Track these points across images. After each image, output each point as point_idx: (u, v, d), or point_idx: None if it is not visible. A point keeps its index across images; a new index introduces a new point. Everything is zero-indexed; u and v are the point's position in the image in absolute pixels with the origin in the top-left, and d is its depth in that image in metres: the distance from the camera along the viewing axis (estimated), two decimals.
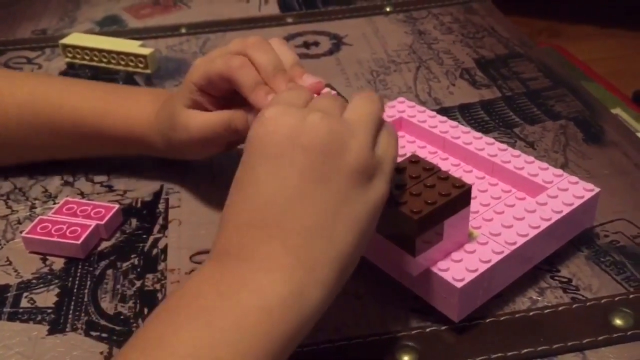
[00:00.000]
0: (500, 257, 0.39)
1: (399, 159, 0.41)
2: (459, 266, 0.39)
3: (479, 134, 0.51)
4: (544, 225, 0.41)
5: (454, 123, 0.52)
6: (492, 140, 0.50)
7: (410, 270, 0.39)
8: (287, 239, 0.33)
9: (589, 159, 0.55)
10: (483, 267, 0.39)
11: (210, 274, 0.33)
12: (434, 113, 0.54)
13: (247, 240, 0.33)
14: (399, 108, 0.55)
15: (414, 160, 0.41)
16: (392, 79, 0.70)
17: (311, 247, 0.32)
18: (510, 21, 0.83)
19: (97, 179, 0.56)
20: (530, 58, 0.72)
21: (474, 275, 0.38)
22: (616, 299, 0.42)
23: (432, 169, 0.40)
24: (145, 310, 0.43)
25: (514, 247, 0.40)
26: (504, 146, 0.49)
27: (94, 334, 0.42)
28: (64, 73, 0.75)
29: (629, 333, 0.39)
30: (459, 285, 0.38)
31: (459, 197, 0.38)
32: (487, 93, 0.66)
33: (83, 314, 0.43)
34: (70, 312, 0.43)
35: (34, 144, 0.55)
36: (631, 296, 0.42)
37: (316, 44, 0.79)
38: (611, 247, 0.46)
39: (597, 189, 0.44)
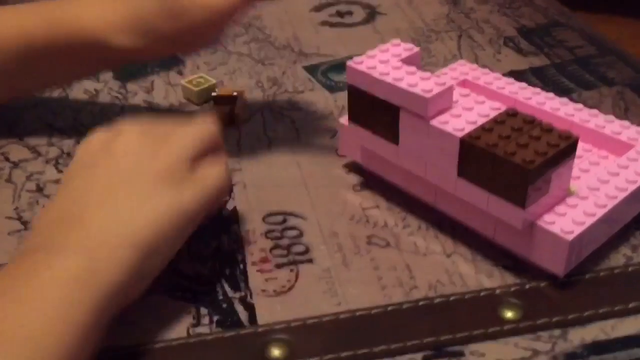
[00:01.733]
0: (604, 210, 0.38)
1: (492, 113, 0.40)
2: (566, 219, 0.38)
3: (551, 94, 0.50)
4: (632, 186, 0.40)
5: (523, 84, 0.51)
6: (566, 100, 0.49)
7: (516, 223, 0.38)
8: (87, 228, 0.35)
9: None
10: (590, 220, 0.38)
11: (9, 267, 0.34)
12: (500, 75, 0.53)
13: (51, 232, 0.35)
14: (461, 70, 0.54)
15: (512, 113, 0.39)
16: (435, 47, 0.68)
17: (107, 231, 0.35)
18: None
19: None
20: (572, 27, 0.72)
21: (582, 228, 0.37)
22: None
23: (534, 121, 0.39)
24: (227, 271, 0.41)
25: (615, 201, 0.39)
26: (580, 106, 0.48)
27: (177, 294, 0.40)
28: None
29: None
30: (569, 237, 0.37)
31: (567, 148, 0.37)
32: (536, 60, 0.65)
33: (161, 276, 0.41)
34: None
35: None
36: None
37: (349, 13, 0.77)
38: None
39: None
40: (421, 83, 0.40)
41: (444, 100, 0.41)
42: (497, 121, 0.39)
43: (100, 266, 0.33)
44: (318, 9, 0.78)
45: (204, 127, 0.41)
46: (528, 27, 0.72)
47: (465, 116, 0.40)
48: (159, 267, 0.37)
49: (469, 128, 0.39)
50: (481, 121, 0.39)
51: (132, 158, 0.38)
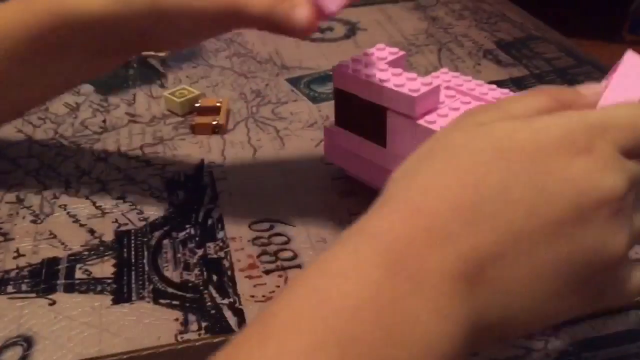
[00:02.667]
0: None
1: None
2: None
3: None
4: None
5: (505, 90, 0.51)
6: None
7: None
8: (478, 286, 0.26)
9: None
10: None
11: (372, 285, 0.24)
12: (481, 82, 0.53)
13: (435, 250, 0.25)
14: (444, 78, 0.54)
15: None
16: (416, 60, 0.69)
17: (490, 312, 0.26)
18: (519, 8, 0.84)
19: (131, 154, 0.53)
20: (548, 40, 0.73)
21: None
22: None
23: None
24: (214, 278, 0.40)
25: None
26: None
27: (163, 302, 0.39)
28: None
29: None
30: None
31: None
32: (515, 71, 0.66)
33: (147, 283, 0.40)
34: (133, 281, 0.40)
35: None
36: None
37: (330, 29, 0.78)
38: None
39: None
40: (408, 83, 0.41)
41: (431, 100, 0.41)
42: None
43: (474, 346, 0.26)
44: None
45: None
46: (506, 41, 0.73)
47: (452, 116, 0.40)
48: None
49: None
50: None
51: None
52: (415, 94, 0.39)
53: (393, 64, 0.44)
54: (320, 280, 0.25)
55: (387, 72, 0.42)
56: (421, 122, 0.40)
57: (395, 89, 0.40)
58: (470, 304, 0.25)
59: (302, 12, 0.38)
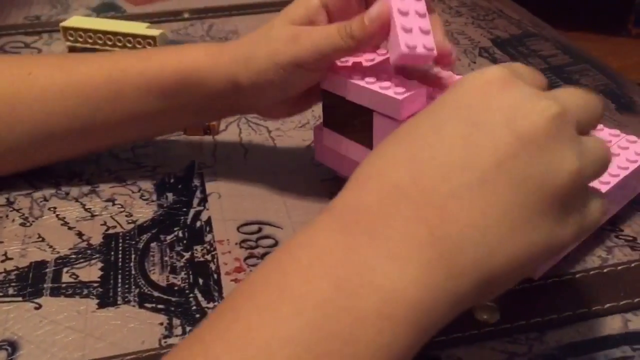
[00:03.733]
0: None
1: None
2: None
3: None
4: (614, 181, 0.40)
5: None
6: None
7: None
8: (439, 228, 0.25)
9: (625, 126, 0.55)
10: None
11: (326, 245, 0.26)
12: None
13: (388, 208, 0.26)
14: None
15: None
16: None
17: (463, 251, 0.25)
18: (516, 4, 0.83)
19: (123, 155, 0.53)
20: (545, 37, 0.73)
21: None
22: None
23: None
24: (200, 281, 0.40)
25: None
26: None
27: (149, 305, 0.39)
28: None
29: None
30: None
31: None
32: None
33: (133, 287, 0.40)
34: (119, 285, 0.40)
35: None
36: None
37: None
38: None
39: None
40: (394, 86, 0.40)
41: (416, 103, 0.40)
42: None
43: (439, 300, 0.25)
44: None
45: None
46: (502, 38, 0.73)
47: None
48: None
49: None
50: None
51: (539, 146, 0.27)
52: (400, 97, 0.39)
53: (381, 64, 0.44)
54: (281, 255, 0.27)
55: (374, 74, 0.42)
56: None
57: (381, 91, 0.40)
58: (436, 247, 0.25)
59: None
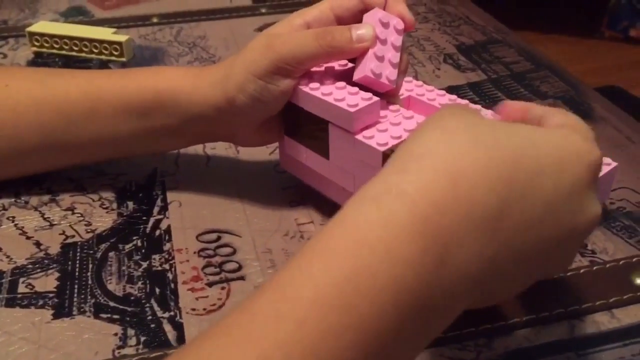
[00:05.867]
0: None
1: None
2: None
3: (489, 110, 0.50)
4: None
5: (464, 101, 0.52)
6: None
7: None
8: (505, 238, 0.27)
9: None
10: None
11: (403, 265, 0.25)
12: (443, 92, 0.53)
13: (469, 234, 0.26)
14: (407, 87, 0.54)
15: None
16: None
17: (502, 274, 0.29)
18: (482, 10, 0.84)
19: None
20: (509, 43, 0.74)
21: None
22: (634, 260, 0.42)
23: None
24: (157, 291, 0.41)
25: None
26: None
27: (104, 316, 0.39)
28: (31, 63, 0.71)
29: None
30: None
31: None
32: (473, 76, 0.67)
33: (89, 297, 0.40)
34: (75, 295, 0.40)
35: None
36: None
37: None
38: (619, 214, 0.47)
39: (614, 163, 0.44)
40: (348, 98, 0.41)
41: (370, 115, 0.41)
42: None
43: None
44: (262, 29, 0.78)
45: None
46: (467, 45, 0.74)
47: (390, 131, 0.40)
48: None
49: (392, 143, 0.39)
50: (405, 136, 0.40)
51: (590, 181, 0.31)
52: (352, 109, 0.40)
53: (341, 74, 0.44)
54: (349, 250, 0.25)
55: (331, 85, 0.42)
56: (359, 137, 0.40)
57: (335, 103, 0.41)
58: (477, 281, 0.27)
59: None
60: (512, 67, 0.68)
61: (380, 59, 0.42)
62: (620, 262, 0.42)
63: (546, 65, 0.68)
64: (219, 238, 0.45)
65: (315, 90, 0.42)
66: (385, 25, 0.42)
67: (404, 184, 0.26)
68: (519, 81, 0.65)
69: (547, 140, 0.30)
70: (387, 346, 0.24)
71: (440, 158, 0.27)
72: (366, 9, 0.43)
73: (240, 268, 0.43)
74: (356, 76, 0.42)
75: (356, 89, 0.42)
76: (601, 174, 0.43)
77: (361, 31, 0.41)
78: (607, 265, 0.42)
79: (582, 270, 0.41)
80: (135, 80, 0.46)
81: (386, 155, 0.39)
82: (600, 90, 0.64)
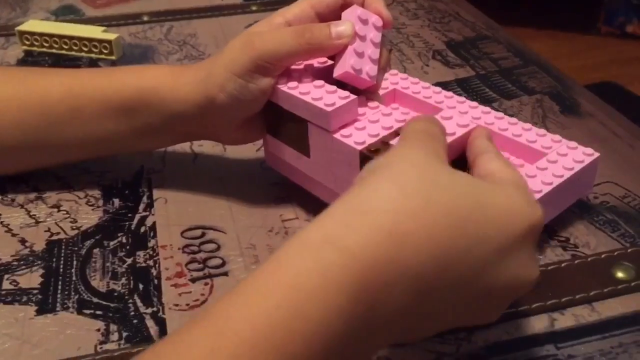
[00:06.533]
0: None
1: (395, 125, 0.41)
2: None
3: (474, 103, 0.50)
4: (546, 189, 0.41)
5: (449, 93, 0.52)
6: (488, 109, 0.50)
7: None
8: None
9: (568, 128, 0.56)
10: None
11: (335, 312, 0.26)
12: (428, 84, 0.53)
13: (401, 299, 0.27)
14: (392, 80, 0.54)
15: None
16: None
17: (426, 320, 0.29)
18: (472, 6, 0.84)
19: None
20: (498, 39, 0.74)
21: None
22: (615, 253, 0.42)
23: None
24: (140, 287, 0.41)
25: None
26: (501, 114, 0.49)
27: (87, 312, 0.39)
28: (21, 61, 0.72)
29: (633, 284, 0.40)
30: None
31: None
32: (461, 72, 0.67)
33: (73, 293, 0.40)
34: (59, 291, 0.41)
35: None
36: (629, 250, 0.43)
37: None
38: (602, 207, 0.47)
39: (596, 154, 0.44)
40: (326, 96, 0.41)
41: (347, 113, 0.41)
42: (398, 134, 0.40)
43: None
44: None
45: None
46: (456, 41, 0.74)
47: (368, 129, 0.40)
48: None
49: (369, 141, 0.39)
50: (383, 134, 0.40)
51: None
52: (329, 109, 0.40)
53: (321, 72, 0.44)
54: (284, 294, 0.26)
55: (309, 84, 0.42)
56: (337, 135, 0.40)
57: (312, 102, 0.41)
58: (397, 335, 0.29)
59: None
60: (501, 63, 0.68)
61: (360, 55, 0.42)
62: (602, 256, 0.42)
63: (534, 61, 0.69)
64: (203, 234, 0.45)
65: (294, 89, 0.42)
66: (364, 22, 0.42)
67: (346, 239, 0.27)
68: (506, 77, 0.65)
69: (494, 203, 0.30)
70: None
71: (386, 217, 0.27)
72: (346, 6, 0.43)
73: (224, 264, 0.43)
74: (336, 73, 0.42)
75: (334, 87, 0.42)
76: (584, 164, 0.43)
77: (340, 28, 0.41)
78: (589, 259, 0.42)
79: (563, 264, 0.42)
80: (118, 78, 0.46)
81: (363, 155, 0.39)
82: (596, 87, 0.64)
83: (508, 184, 0.32)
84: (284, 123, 0.44)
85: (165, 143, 0.50)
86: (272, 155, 0.48)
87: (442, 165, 0.31)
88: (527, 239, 0.30)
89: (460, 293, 0.29)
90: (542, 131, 0.46)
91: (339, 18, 0.43)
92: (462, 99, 0.51)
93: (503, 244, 0.29)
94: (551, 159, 0.44)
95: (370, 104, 0.43)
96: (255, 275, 0.27)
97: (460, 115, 0.43)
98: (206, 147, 0.55)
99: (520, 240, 0.30)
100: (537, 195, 0.41)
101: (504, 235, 0.29)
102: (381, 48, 0.43)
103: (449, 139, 0.38)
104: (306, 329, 0.25)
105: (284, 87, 0.42)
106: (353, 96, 0.41)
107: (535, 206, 0.31)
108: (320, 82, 0.42)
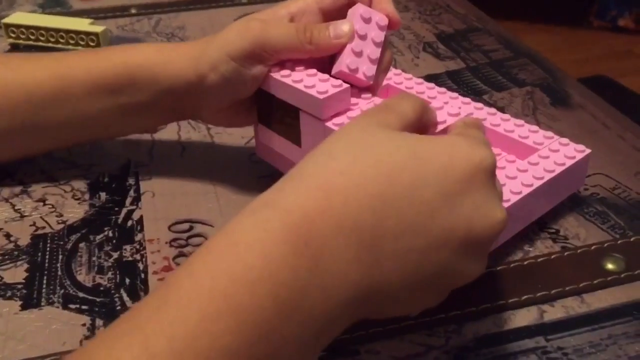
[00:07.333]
0: None
1: None
2: None
3: (467, 99, 0.50)
4: (537, 183, 0.41)
5: (442, 89, 0.51)
6: (480, 105, 0.49)
7: None
8: (370, 278, 0.28)
9: (558, 120, 0.56)
10: None
11: (277, 259, 0.26)
12: (421, 80, 0.53)
13: (338, 240, 0.28)
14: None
15: None
16: None
17: (381, 295, 0.29)
18: None
19: (57, 154, 0.53)
20: (489, 32, 0.73)
21: None
22: (605, 245, 0.42)
23: None
24: (127, 281, 0.40)
25: (507, 205, 0.39)
26: (493, 110, 0.49)
27: (72, 306, 0.39)
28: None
29: (622, 275, 0.40)
30: None
31: None
32: (452, 64, 0.66)
33: (58, 288, 0.40)
34: (44, 286, 0.40)
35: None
36: (619, 242, 0.42)
37: None
38: (593, 199, 0.47)
39: (587, 150, 0.44)
40: (318, 85, 0.41)
41: (340, 102, 0.41)
42: None
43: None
44: None
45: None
46: (447, 33, 0.73)
47: None
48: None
49: None
50: None
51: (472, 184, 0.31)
52: (322, 96, 0.39)
53: (311, 61, 0.44)
54: (226, 250, 0.27)
55: (302, 72, 0.42)
56: (329, 124, 0.40)
57: (305, 90, 0.40)
58: (361, 288, 0.28)
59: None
60: (491, 55, 0.68)
61: (358, 54, 0.41)
62: (592, 247, 0.42)
63: (525, 53, 0.68)
64: (191, 228, 0.45)
65: (286, 77, 0.42)
66: (367, 20, 0.42)
67: (279, 199, 0.29)
68: (497, 69, 0.65)
69: (430, 150, 0.30)
70: (269, 340, 0.25)
71: (315, 178, 0.29)
72: (352, 4, 0.43)
73: None
74: (333, 71, 0.42)
75: (327, 75, 0.42)
76: (575, 160, 0.43)
77: (338, 27, 0.41)
78: (579, 251, 0.42)
79: (553, 256, 0.41)
80: (105, 57, 0.45)
81: None
82: (588, 80, 0.64)
83: (457, 135, 0.33)
84: (275, 112, 0.44)
85: (151, 123, 0.49)
86: (262, 146, 0.48)
87: (380, 128, 0.31)
88: (474, 179, 0.30)
89: (414, 242, 0.29)
90: (535, 127, 0.46)
91: (344, 15, 0.43)
92: (455, 94, 0.50)
93: (447, 187, 0.29)
94: (543, 154, 0.43)
95: (364, 94, 0.43)
96: (203, 244, 0.28)
97: (452, 106, 0.42)
98: (194, 139, 0.55)
99: (467, 181, 0.30)
100: (528, 190, 0.40)
101: (446, 179, 0.30)
102: (383, 48, 0.43)
103: (440, 127, 0.38)
104: (250, 277, 0.26)
105: (276, 75, 0.42)
106: (346, 85, 0.41)
107: (478, 148, 0.31)
108: (313, 71, 0.42)
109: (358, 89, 0.43)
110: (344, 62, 0.41)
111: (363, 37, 0.42)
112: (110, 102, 0.45)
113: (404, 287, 0.29)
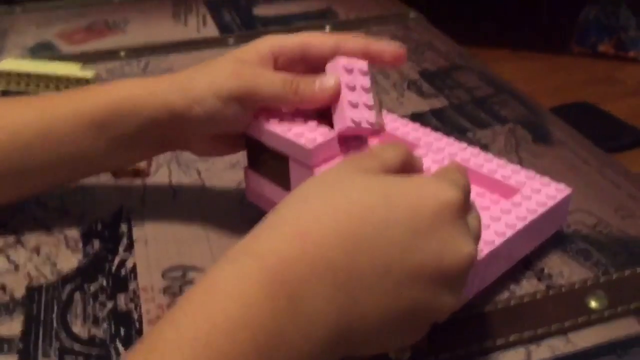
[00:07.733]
0: (480, 255, 0.40)
1: None
2: None
3: (452, 140, 0.51)
4: (520, 224, 0.42)
5: (427, 130, 0.53)
6: (464, 145, 0.51)
7: None
8: (347, 316, 0.30)
9: (540, 157, 0.58)
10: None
11: (254, 304, 0.28)
12: (406, 121, 0.55)
13: (314, 280, 0.29)
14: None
15: None
16: None
17: (359, 335, 0.31)
18: (445, 36, 0.86)
19: (51, 203, 0.53)
20: (470, 69, 0.75)
21: None
22: (588, 283, 0.43)
23: None
24: (122, 331, 0.41)
25: (492, 247, 0.41)
26: (477, 150, 0.50)
27: (69, 358, 0.39)
28: None
29: (605, 313, 0.41)
30: None
31: None
32: (436, 102, 0.68)
33: (54, 340, 0.40)
34: (40, 339, 0.41)
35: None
36: (602, 279, 0.44)
37: None
38: (575, 236, 0.48)
39: (568, 189, 0.45)
40: (307, 133, 0.42)
41: (329, 149, 0.42)
42: None
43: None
44: None
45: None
46: (430, 71, 0.75)
47: None
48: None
49: None
50: None
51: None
52: (310, 145, 0.41)
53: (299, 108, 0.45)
54: (206, 298, 0.29)
55: (289, 119, 0.43)
56: (318, 170, 0.41)
57: (293, 139, 0.42)
58: (339, 327, 0.30)
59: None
60: (474, 92, 0.70)
61: (355, 105, 0.42)
62: (576, 286, 0.43)
63: (506, 89, 0.70)
64: (184, 274, 0.46)
65: (275, 124, 0.43)
66: (350, 71, 0.43)
67: (256, 246, 0.30)
68: (479, 106, 0.67)
69: (400, 190, 0.32)
70: None
71: (290, 223, 0.31)
72: (335, 53, 0.44)
73: None
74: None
75: (315, 122, 0.43)
76: (556, 200, 0.44)
77: (325, 81, 0.42)
78: (563, 290, 0.43)
79: (538, 296, 0.42)
80: (91, 94, 0.47)
81: None
82: (570, 107, 0.66)
83: (430, 175, 0.34)
84: (264, 158, 0.45)
85: (141, 154, 0.49)
86: (253, 191, 0.49)
87: (358, 172, 0.33)
88: (441, 217, 0.32)
89: (387, 278, 0.30)
90: (517, 167, 0.48)
91: (325, 62, 0.44)
92: (439, 135, 0.52)
93: (416, 225, 0.31)
94: (525, 193, 0.45)
95: (354, 141, 0.44)
96: (184, 295, 0.30)
97: (436, 152, 0.44)
98: (186, 183, 0.56)
99: (435, 218, 0.31)
100: (511, 231, 0.42)
101: (415, 217, 0.31)
102: (373, 91, 0.44)
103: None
104: (230, 325, 0.27)
105: (265, 123, 0.43)
106: (334, 132, 0.42)
107: (447, 187, 0.33)
108: (301, 117, 0.43)
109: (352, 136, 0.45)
110: (348, 117, 0.41)
111: (353, 88, 0.43)
112: (97, 136, 0.46)
113: (381, 323, 0.31)
